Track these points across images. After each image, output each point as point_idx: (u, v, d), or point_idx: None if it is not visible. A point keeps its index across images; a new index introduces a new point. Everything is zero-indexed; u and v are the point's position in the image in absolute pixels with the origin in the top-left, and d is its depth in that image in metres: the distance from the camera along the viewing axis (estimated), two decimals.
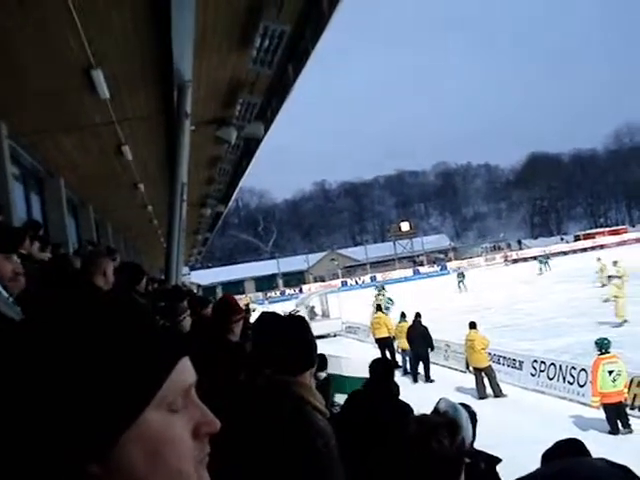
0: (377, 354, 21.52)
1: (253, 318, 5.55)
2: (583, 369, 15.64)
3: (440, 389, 16.55)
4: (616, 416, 13.15)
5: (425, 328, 21.01)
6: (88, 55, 8.82)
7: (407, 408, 5.77)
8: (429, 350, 20.68)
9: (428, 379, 20.21)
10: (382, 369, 6.40)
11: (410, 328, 21.32)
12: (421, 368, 20.75)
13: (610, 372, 13.23)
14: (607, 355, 13.40)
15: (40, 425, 0.75)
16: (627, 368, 13.51)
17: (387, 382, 6.22)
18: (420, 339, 20.64)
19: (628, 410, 13.42)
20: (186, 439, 0.85)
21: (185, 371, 0.87)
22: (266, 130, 14.45)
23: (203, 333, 5.24)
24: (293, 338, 3.19)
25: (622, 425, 13.10)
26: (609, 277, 32.83)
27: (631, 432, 12.93)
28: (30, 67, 9.04)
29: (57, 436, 0.75)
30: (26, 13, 7.45)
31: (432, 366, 21.24)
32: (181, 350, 0.89)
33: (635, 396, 13.76)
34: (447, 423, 2.65)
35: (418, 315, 21.55)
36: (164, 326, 0.95)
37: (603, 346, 13.48)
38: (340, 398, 15.23)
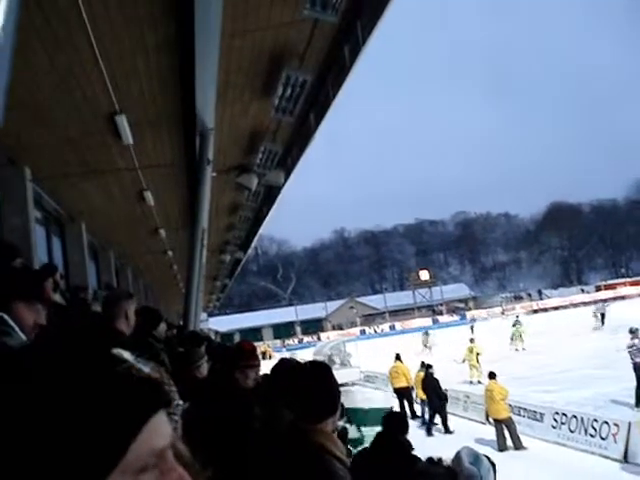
0: (395, 404, 21.31)
1: (270, 365, 5.50)
2: (605, 422, 15.37)
3: (459, 441, 16.26)
4: None
5: (436, 380, 20.82)
6: (113, 101, 8.95)
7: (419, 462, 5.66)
8: (443, 402, 20.43)
9: (447, 430, 19.88)
10: (396, 423, 6.29)
11: (423, 380, 21.18)
12: (439, 420, 20.50)
13: None
14: None
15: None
16: None
17: (400, 437, 6.10)
18: (432, 391, 20.46)
19: None
20: None
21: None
22: (286, 178, 14.55)
23: (217, 379, 5.21)
24: (315, 385, 3.16)
25: None
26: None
27: None
28: (55, 112, 9.19)
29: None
30: (52, 59, 7.59)
31: (451, 417, 20.96)
32: (152, 407, 0.75)
33: None
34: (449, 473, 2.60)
35: (428, 367, 21.38)
36: (133, 376, 0.78)
37: None
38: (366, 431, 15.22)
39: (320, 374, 3.27)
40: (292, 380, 3.34)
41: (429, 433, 20.00)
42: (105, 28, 7.11)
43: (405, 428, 6.28)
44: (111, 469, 0.68)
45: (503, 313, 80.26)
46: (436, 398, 20.33)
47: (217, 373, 5.53)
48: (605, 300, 64.72)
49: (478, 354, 29.40)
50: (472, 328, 58.18)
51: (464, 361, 30.16)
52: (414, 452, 5.95)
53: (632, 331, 20.34)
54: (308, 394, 3.12)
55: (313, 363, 3.55)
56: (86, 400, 0.69)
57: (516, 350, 38.75)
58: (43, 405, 0.67)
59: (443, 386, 20.80)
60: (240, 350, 5.46)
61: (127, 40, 7.62)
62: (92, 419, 0.68)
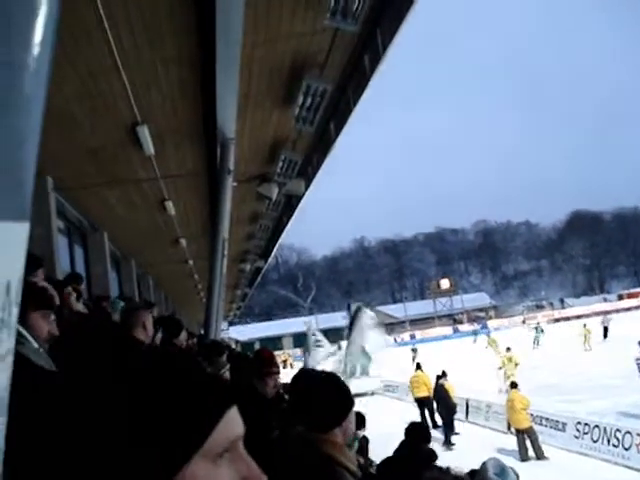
0: (416, 414, 21.21)
1: (291, 374, 5.48)
2: (628, 431, 15.20)
3: (481, 451, 16.16)
4: None
5: (446, 391, 20.67)
6: (134, 111, 9.01)
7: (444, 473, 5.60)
8: (452, 413, 20.23)
9: (448, 442, 19.43)
10: (419, 433, 6.23)
11: (434, 390, 21.01)
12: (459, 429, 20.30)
13: None
14: None
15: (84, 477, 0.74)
16: None
17: (423, 447, 6.04)
18: (441, 401, 20.34)
19: None
20: None
21: (232, 423, 0.85)
22: (307, 187, 14.56)
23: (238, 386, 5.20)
24: (319, 395, 3.16)
25: None
26: None
27: None
28: (77, 122, 9.25)
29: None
30: (74, 69, 7.65)
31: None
32: (228, 401, 0.87)
33: None
34: None
35: (439, 377, 21.23)
36: (212, 376, 0.92)
37: None
38: None
39: (326, 384, 3.27)
40: (300, 390, 3.35)
41: (448, 442, 19.78)
42: (126, 38, 7.17)
43: (427, 437, 6.24)
44: (194, 452, 0.79)
45: (524, 322, 79.80)
46: (444, 409, 20.13)
47: (236, 381, 5.53)
48: (608, 312, 63.54)
49: (516, 364, 28.66)
50: (475, 340, 57.34)
51: (501, 368, 29.66)
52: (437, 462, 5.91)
53: None
54: (312, 404, 3.13)
55: (321, 373, 3.56)
56: (178, 395, 0.82)
57: (585, 350, 40.61)
58: (146, 399, 0.80)
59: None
60: (259, 357, 5.46)
61: (148, 50, 7.68)
62: (183, 411, 0.81)
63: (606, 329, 47.36)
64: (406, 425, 6.49)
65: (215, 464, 0.81)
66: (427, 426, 6.63)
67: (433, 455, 5.89)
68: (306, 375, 3.77)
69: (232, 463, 0.84)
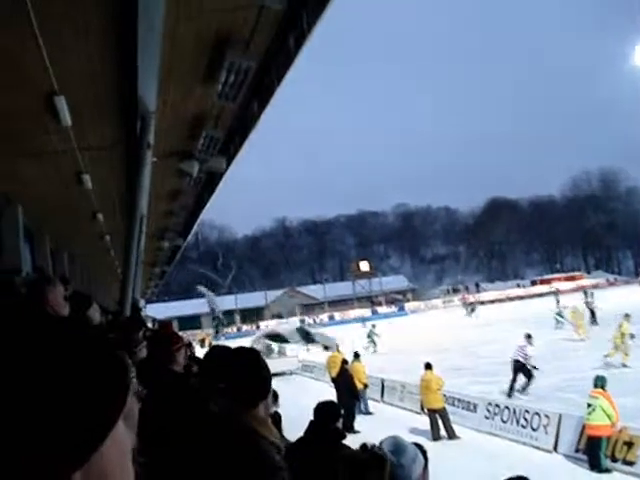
0: (333, 393, 21.40)
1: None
2: (536, 413, 15.75)
3: (394, 430, 16.41)
4: (591, 449, 13.46)
5: (350, 377, 20.79)
6: (51, 81, 8.74)
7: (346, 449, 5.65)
8: (354, 400, 20.15)
9: (352, 429, 18.66)
10: (327, 412, 6.23)
11: (337, 375, 20.94)
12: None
13: (589, 405, 13.70)
14: (594, 390, 13.85)
15: (24, 434, 0.72)
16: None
17: (331, 427, 6.05)
18: (344, 387, 20.25)
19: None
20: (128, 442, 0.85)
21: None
22: (228, 164, 14.46)
23: (148, 364, 5.16)
24: (246, 370, 3.18)
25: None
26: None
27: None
28: None
29: (41, 447, 0.72)
30: None
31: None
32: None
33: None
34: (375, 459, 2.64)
35: (345, 362, 21.24)
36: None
37: (595, 381, 14.06)
38: None
39: (250, 359, 3.30)
40: (224, 366, 3.36)
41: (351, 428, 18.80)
42: (44, 5, 6.93)
43: (337, 416, 6.26)
44: (121, 412, 0.81)
45: (471, 306, 75.92)
46: (348, 395, 19.78)
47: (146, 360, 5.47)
48: (584, 288, 59.03)
49: (623, 334, 24.95)
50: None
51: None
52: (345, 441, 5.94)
53: (528, 336, 21.65)
54: (240, 379, 3.14)
55: (243, 349, 3.58)
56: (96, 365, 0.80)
57: (582, 340, 33.53)
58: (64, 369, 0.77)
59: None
60: (167, 336, 5.44)
61: (67, 20, 7.46)
62: (107, 376, 0.80)
63: (593, 313, 40.21)
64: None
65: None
66: (336, 405, 6.58)
67: (341, 434, 5.92)
68: (225, 352, 3.78)
69: None
